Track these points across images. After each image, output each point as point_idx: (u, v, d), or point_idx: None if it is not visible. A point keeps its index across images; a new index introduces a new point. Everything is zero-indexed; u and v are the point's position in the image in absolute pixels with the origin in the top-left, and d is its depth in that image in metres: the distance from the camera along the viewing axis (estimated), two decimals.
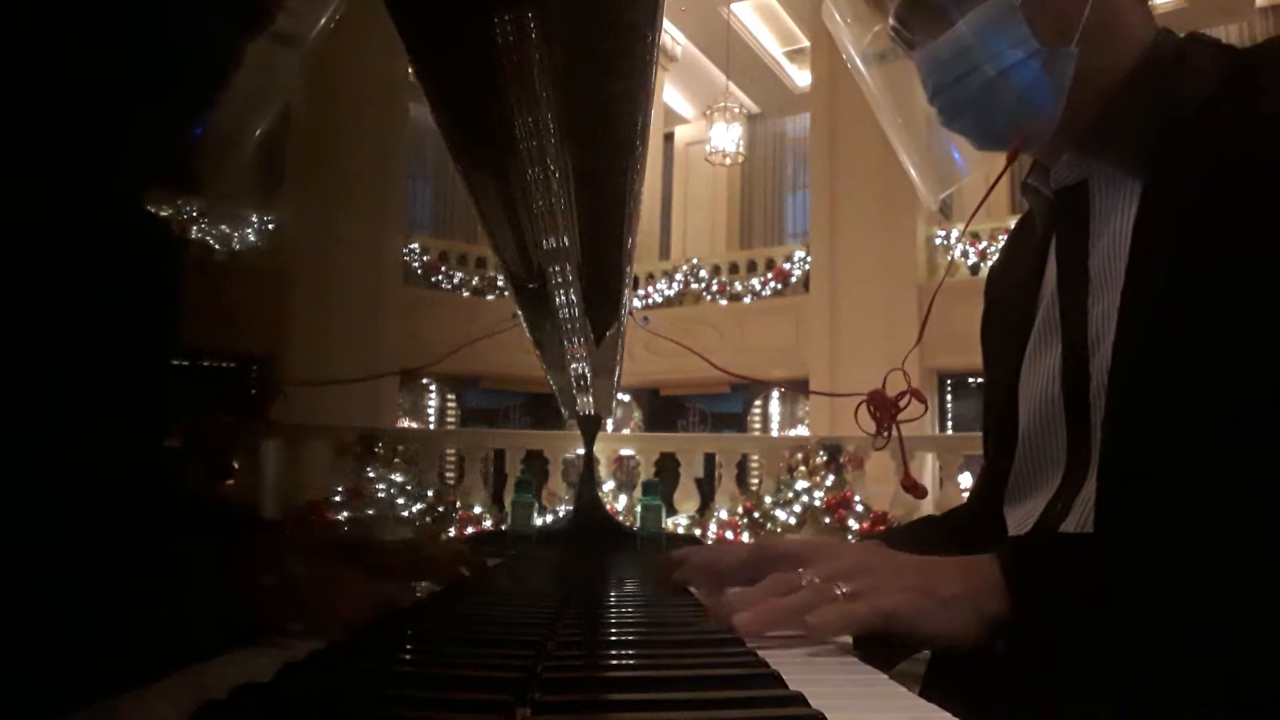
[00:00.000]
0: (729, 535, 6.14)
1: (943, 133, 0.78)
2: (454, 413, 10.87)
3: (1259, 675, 0.52)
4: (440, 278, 9.35)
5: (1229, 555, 0.54)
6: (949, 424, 8.62)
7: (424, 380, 10.19)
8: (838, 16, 0.83)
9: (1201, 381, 0.58)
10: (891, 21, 0.75)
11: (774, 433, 11.10)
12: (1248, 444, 0.57)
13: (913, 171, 0.87)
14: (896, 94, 0.84)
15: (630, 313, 1.20)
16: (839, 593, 0.55)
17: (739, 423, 11.46)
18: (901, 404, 0.83)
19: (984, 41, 0.68)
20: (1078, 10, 0.67)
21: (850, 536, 5.60)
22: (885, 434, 0.83)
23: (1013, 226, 0.92)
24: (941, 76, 0.71)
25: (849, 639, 0.56)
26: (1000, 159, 0.77)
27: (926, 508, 5.50)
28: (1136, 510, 0.61)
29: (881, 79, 0.84)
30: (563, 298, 0.93)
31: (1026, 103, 0.69)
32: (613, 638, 0.58)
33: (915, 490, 0.90)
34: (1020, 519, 0.75)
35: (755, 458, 8.20)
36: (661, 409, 11.44)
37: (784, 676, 0.42)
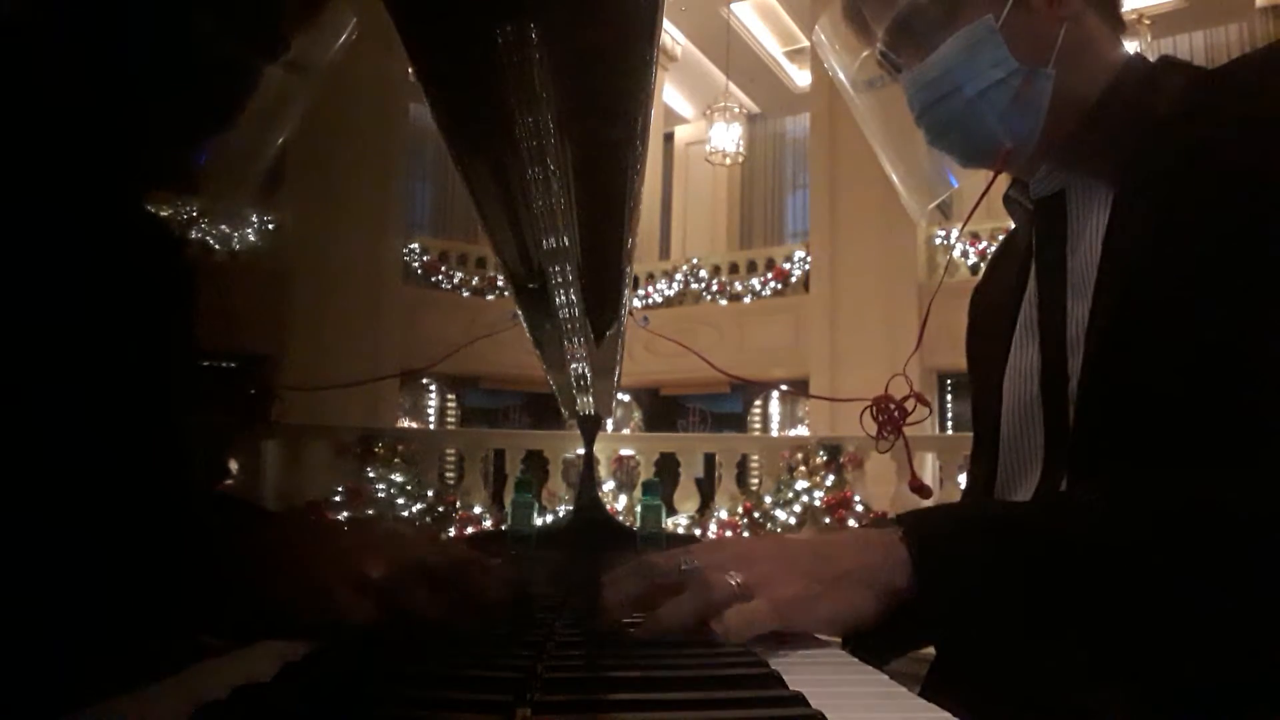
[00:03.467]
0: (729, 535, 6.15)
1: (929, 150, 0.81)
2: (454, 413, 10.87)
3: (1177, 662, 0.52)
4: (440, 278, 9.36)
5: (1167, 543, 0.53)
6: (949, 424, 8.62)
7: (424, 380, 10.19)
8: (827, 43, 0.86)
9: (1162, 379, 0.61)
10: (879, 47, 0.78)
11: (774, 433, 11.11)
12: (1206, 438, 0.59)
13: (900, 186, 0.90)
14: (884, 115, 0.87)
15: (630, 313, 1.20)
16: (733, 583, 0.53)
17: (739, 423, 11.47)
18: (908, 407, 0.84)
19: (965, 63, 0.72)
20: (1053, 34, 0.71)
21: None
22: (890, 438, 0.84)
23: (1007, 233, 0.94)
24: (926, 98, 0.75)
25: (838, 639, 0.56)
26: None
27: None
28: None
29: (870, 101, 0.87)
30: (563, 298, 0.93)
31: (1007, 120, 0.72)
32: (613, 638, 0.58)
33: (922, 491, 0.90)
34: None
35: (755, 458, 8.20)
36: (661, 409, 11.44)
37: (784, 676, 0.42)
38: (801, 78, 11.26)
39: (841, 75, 0.87)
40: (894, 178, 0.90)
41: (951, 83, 0.72)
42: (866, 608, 0.54)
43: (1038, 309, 0.76)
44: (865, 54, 0.82)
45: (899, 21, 0.75)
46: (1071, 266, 0.73)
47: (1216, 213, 0.61)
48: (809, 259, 9.22)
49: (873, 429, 0.85)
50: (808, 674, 0.44)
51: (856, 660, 0.51)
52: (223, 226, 7.93)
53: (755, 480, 7.68)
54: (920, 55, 0.75)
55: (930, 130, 0.77)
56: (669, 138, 12.89)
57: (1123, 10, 0.77)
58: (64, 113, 0.54)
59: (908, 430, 0.84)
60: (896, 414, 0.84)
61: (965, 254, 8.01)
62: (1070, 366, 0.70)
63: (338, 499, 6.02)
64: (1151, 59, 0.75)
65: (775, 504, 6.17)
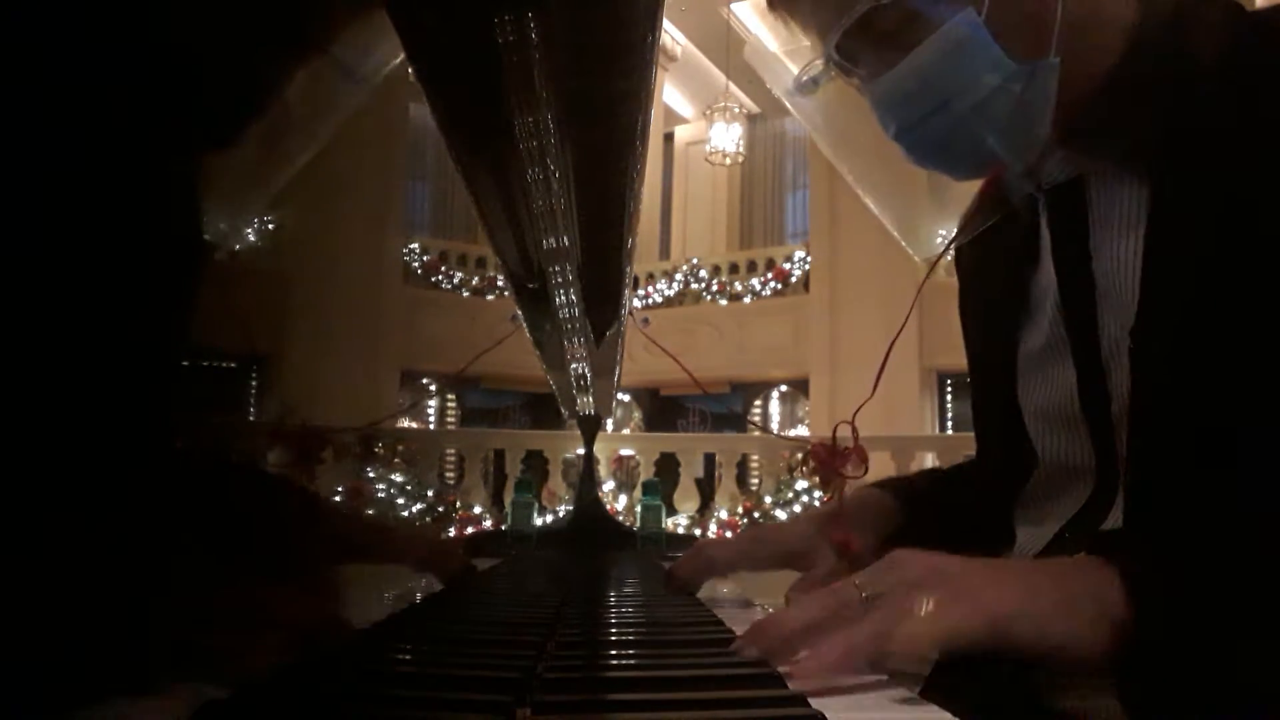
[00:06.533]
0: (729, 535, 6.14)
1: (924, 185, 0.72)
2: (454, 413, 10.86)
3: None
4: (440, 278, 9.35)
5: None
6: (949, 424, 8.61)
7: (424, 380, 10.19)
8: (773, 47, 0.75)
9: (1229, 402, 0.53)
10: (830, 52, 0.63)
11: (774, 433, 11.10)
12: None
13: (897, 233, 0.83)
14: (863, 142, 0.78)
15: (630, 313, 1.20)
16: (923, 609, 0.42)
17: (739, 423, 11.46)
18: (844, 460, 0.79)
19: (951, 71, 0.58)
20: (1050, 9, 0.57)
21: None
22: (831, 495, 0.80)
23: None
24: (906, 115, 0.61)
25: None
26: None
27: None
28: (1167, 532, 0.56)
29: (864, 153, 0.78)
30: (563, 298, 0.93)
31: (1011, 133, 0.59)
32: (613, 638, 0.58)
33: (846, 549, 0.77)
34: (1034, 536, 0.71)
35: (755, 458, 8.20)
36: (661, 409, 11.44)
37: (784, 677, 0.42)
38: None
39: (792, 94, 0.73)
40: (888, 224, 0.82)
41: (936, 96, 0.58)
42: (1100, 636, 0.43)
43: (1064, 320, 0.66)
44: (812, 61, 0.65)
45: (856, 23, 0.59)
46: (1098, 269, 0.63)
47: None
48: (809, 259, 9.22)
49: (813, 473, 0.82)
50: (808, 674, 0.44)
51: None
52: (222, 225, 7.93)
53: (755, 480, 7.68)
54: (885, 60, 0.60)
55: (913, 151, 0.63)
56: (669, 138, 12.88)
57: None
58: (79, 103, 0.53)
59: (870, 465, 0.80)
60: (836, 464, 0.80)
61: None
62: (1111, 383, 0.62)
63: (337, 499, 6.02)
64: None
65: (775, 504, 6.17)
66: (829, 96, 0.70)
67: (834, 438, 0.79)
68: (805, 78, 0.66)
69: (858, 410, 0.74)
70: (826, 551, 0.78)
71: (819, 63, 0.64)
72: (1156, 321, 0.57)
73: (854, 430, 0.75)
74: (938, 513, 0.84)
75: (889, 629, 0.43)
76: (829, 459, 0.79)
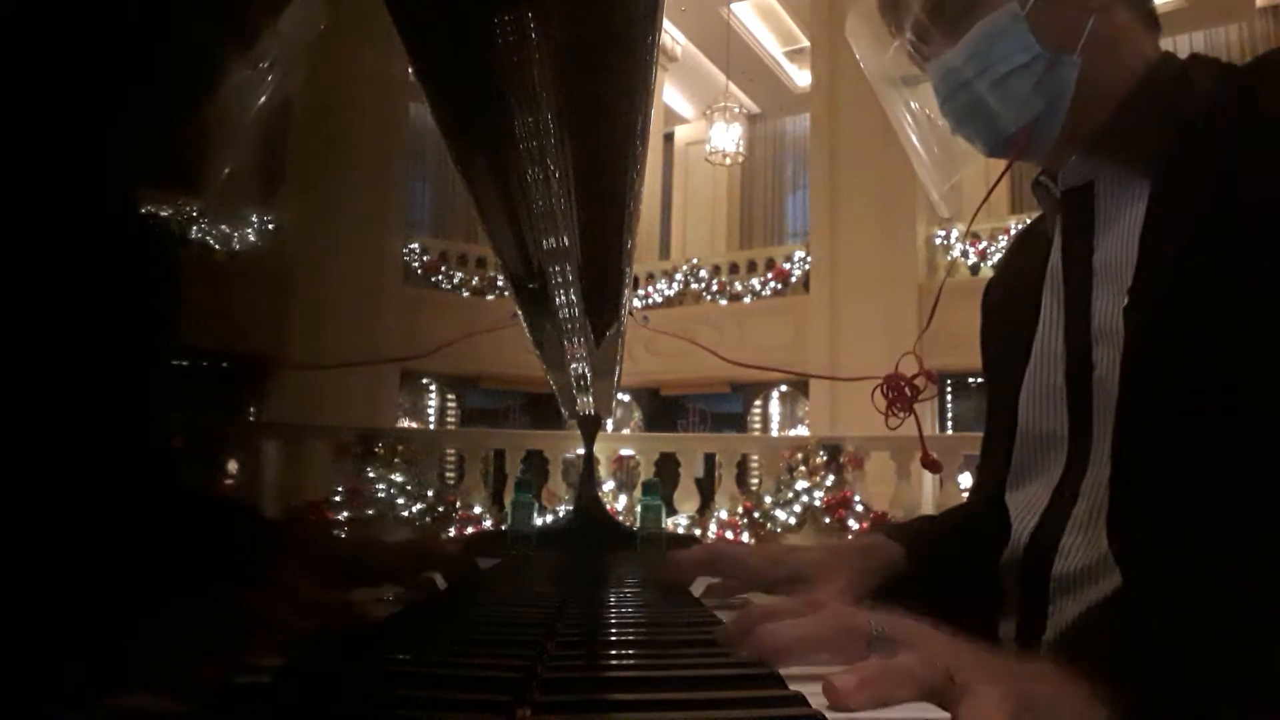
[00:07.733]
0: (729, 535, 6.14)
1: (953, 140, 0.81)
2: (454, 413, 10.87)
3: None
4: (440, 278, 9.36)
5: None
6: (949, 424, 8.62)
7: (424, 380, 10.19)
8: (858, 37, 0.86)
9: (1213, 371, 0.60)
10: (909, 37, 0.79)
11: (774, 433, 11.10)
12: (1259, 435, 0.57)
13: (923, 177, 0.88)
14: (914, 110, 0.88)
15: (630, 312, 1.20)
16: (939, 667, 0.42)
17: (739, 423, 11.46)
18: (919, 385, 0.85)
19: (989, 48, 0.72)
20: (1081, 23, 0.71)
21: (850, 536, 5.59)
22: (901, 415, 0.85)
23: (1014, 228, 0.92)
24: (950, 85, 0.76)
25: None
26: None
27: (926, 507, 5.50)
28: (1152, 495, 0.63)
29: (901, 97, 0.87)
30: (563, 298, 0.93)
31: (1030, 106, 0.72)
32: (613, 638, 0.58)
33: (934, 466, 0.92)
34: (1024, 504, 0.77)
35: (755, 458, 8.20)
36: (661, 409, 11.44)
37: (784, 677, 0.42)
38: (801, 78, 11.25)
39: (871, 68, 0.87)
40: (919, 172, 0.89)
41: (975, 69, 0.73)
42: None
43: (1063, 299, 0.76)
44: (895, 44, 0.82)
45: (927, 11, 0.76)
46: (1098, 258, 0.73)
47: (1263, 204, 0.60)
48: (809, 259, 9.22)
49: (884, 406, 0.86)
50: (807, 674, 0.44)
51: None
52: (222, 226, 7.93)
53: (755, 480, 7.68)
54: (948, 45, 0.76)
55: (953, 118, 0.78)
56: (669, 138, 12.89)
57: (1155, 6, 0.77)
58: (27, 91, 0.53)
59: (917, 407, 0.85)
60: (908, 391, 0.85)
61: (965, 254, 8.01)
62: (1095, 355, 0.70)
63: (338, 499, 6.02)
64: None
65: (775, 504, 6.17)
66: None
67: (897, 366, 0.89)
68: (895, 72, 0.84)
69: (919, 337, 0.88)
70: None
71: (905, 52, 0.81)
72: (1150, 290, 0.65)
73: (918, 356, 0.86)
74: (939, 550, 0.85)
75: (917, 680, 0.41)
76: (901, 382, 0.86)
